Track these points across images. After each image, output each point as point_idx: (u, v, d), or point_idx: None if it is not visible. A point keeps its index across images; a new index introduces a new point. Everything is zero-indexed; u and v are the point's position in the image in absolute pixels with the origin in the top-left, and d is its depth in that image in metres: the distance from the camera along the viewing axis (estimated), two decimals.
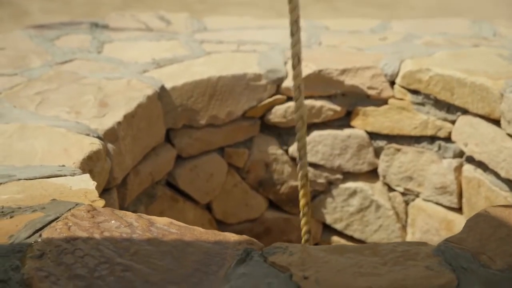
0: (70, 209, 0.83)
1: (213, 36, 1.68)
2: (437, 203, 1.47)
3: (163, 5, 3.83)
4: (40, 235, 0.76)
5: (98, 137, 1.12)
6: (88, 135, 1.11)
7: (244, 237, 0.78)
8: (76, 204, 0.84)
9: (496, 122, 1.30)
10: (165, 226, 0.81)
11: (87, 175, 0.95)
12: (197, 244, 0.77)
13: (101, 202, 0.88)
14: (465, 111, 1.37)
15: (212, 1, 4.00)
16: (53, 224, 0.79)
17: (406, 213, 1.54)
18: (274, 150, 1.53)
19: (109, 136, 1.15)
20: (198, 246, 0.77)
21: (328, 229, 1.62)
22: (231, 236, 0.78)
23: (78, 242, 0.75)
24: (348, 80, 1.47)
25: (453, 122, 1.41)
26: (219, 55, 1.53)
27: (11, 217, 0.81)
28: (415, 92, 1.44)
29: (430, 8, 3.77)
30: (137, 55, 1.50)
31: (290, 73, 1.47)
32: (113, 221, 0.81)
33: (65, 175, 0.94)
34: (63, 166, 0.98)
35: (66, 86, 1.30)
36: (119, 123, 1.17)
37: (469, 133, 1.36)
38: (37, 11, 3.75)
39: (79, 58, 1.49)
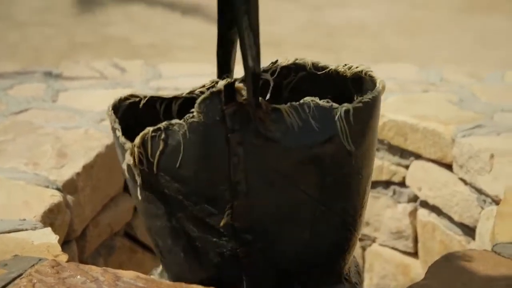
0: (33, 265, 0.81)
1: (169, 83, 1.70)
2: (393, 248, 1.50)
3: (112, 50, 3.83)
4: None
5: (58, 189, 1.11)
6: (47, 187, 1.10)
7: None
8: (40, 260, 0.83)
9: (449, 167, 1.34)
10: (131, 280, 0.80)
11: (49, 229, 0.94)
12: None
13: (64, 257, 0.87)
14: (418, 156, 1.41)
15: (162, 46, 4.02)
16: (17, 281, 0.78)
17: (364, 259, 1.56)
18: None
19: (69, 187, 1.14)
20: None
21: None
22: None
23: None
24: None
25: (407, 167, 1.44)
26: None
27: None
28: None
29: (375, 50, 3.86)
30: (93, 103, 1.50)
31: None
32: (78, 276, 0.80)
33: (26, 229, 0.93)
34: (24, 220, 0.96)
35: (23, 136, 1.29)
36: (78, 174, 1.17)
37: (422, 177, 1.40)
38: None
39: (34, 107, 1.47)
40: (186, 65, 1.94)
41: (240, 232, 0.76)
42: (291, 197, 0.75)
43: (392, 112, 1.45)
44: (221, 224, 0.75)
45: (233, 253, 0.77)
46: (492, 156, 1.22)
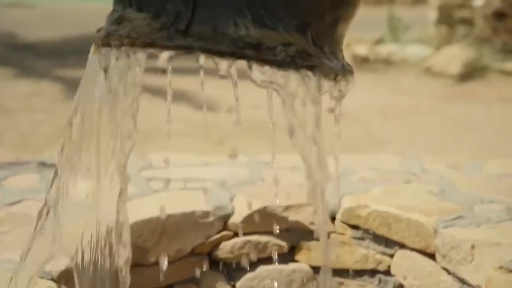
0: None
1: (160, 174, 1.75)
2: None
3: None
4: None
5: (53, 279, 1.13)
6: (42, 277, 1.13)
7: None
8: None
9: (432, 256, 1.38)
10: None
11: None
12: None
13: None
14: (402, 246, 1.46)
15: (149, 132, 4.10)
16: None
17: None
18: (222, 285, 1.57)
19: (64, 277, 1.16)
20: None
21: None
22: None
23: None
24: (292, 216, 1.55)
25: (391, 256, 1.49)
26: (168, 193, 1.59)
27: None
28: (355, 227, 1.52)
29: (357, 136, 3.95)
30: (86, 192, 1.54)
31: (237, 210, 1.54)
32: None
33: None
34: None
35: (18, 228, 1.32)
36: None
37: (407, 266, 1.44)
38: None
39: (29, 198, 1.51)
40: (176, 155, 2.00)
41: None
42: None
43: (376, 203, 1.50)
44: None
45: None
46: (473, 246, 1.27)
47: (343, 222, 1.53)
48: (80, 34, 7.65)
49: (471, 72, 5.09)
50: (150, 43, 0.68)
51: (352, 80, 0.77)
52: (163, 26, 0.67)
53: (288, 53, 0.66)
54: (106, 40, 0.73)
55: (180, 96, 4.50)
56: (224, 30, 0.65)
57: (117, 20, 0.72)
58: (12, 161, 1.80)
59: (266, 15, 0.66)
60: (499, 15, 5.44)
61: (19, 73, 5.51)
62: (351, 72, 0.76)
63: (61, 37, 7.44)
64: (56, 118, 4.15)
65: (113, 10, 0.75)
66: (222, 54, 0.66)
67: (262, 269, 1.56)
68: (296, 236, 1.57)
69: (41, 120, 4.15)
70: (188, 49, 0.67)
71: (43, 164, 1.76)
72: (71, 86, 5.01)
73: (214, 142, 3.80)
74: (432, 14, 6.30)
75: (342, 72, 0.74)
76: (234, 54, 0.65)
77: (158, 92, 5.08)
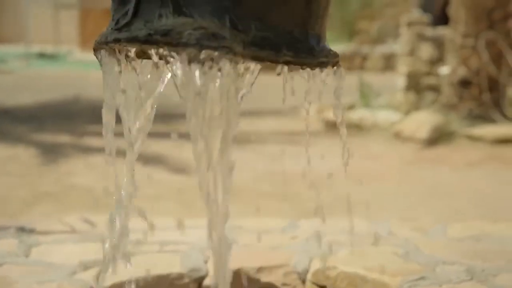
0: None
1: (136, 237, 1.80)
2: None
3: (75, 199, 3.92)
4: None
5: None
6: None
7: None
8: None
9: None
10: None
11: None
12: None
13: None
14: None
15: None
16: None
17: None
18: None
19: None
20: None
21: None
22: None
23: None
24: (264, 278, 1.61)
25: None
26: (144, 256, 1.64)
27: None
28: (324, 287, 1.59)
29: (329, 199, 4.02)
30: (64, 257, 1.59)
31: (211, 271, 1.59)
32: None
33: None
34: None
35: None
36: None
37: None
38: None
39: (8, 262, 1.56)
40: (152, 219, 2.05)
41: None
42: None
43: (344, 264, 1.57)
44: None
45: None
46: None
47: (313, 283, 1.60)
48: (56, 99, 7.75)
49: (439, 137, 5.25)
50: (104, 42, 0.80)
51: (330, 66, 0.82)
52: (114, 27, 0.79)
53: (195, 36, 0.72)
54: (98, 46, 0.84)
55: (155, 160, 4.56)
56: (151, 21, 0.75)
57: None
58: None
59: (184, 4, 0.74)
60: (464, 83, 5.64)
61: None
62: (295, 56, 0.78)
63: (38, 102, 7.52)
64: (32, 183, 4.18)
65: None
66: (139, 42, 0.75)
67: None
68: None
69: (16, 185, 4.17)
70: (117, 42, 0.77)
71: (21, 229, 1.81)
72: (47, 150, 5.07)
73: (189, 205, 3.86)
74: (400, 81, 6.52)
75: (270, 55, 0.77)
76: (147, 41, 0.74)
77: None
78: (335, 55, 0.85)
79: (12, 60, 12.02)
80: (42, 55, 12.88)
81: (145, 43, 0.75)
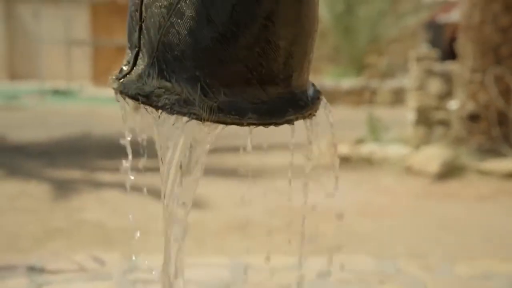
0: None
1: (145, 276, 1.82)
2: None
3: (86, 235, 3.94)
4: None
5: None
6: None
7: None
8: None
9: None
10: None
11: None
12: None
13: None
14: None
15: (128, 229, 4.15)
16: None
17: None
18: None
19: None
20: None
21: None
22: None
23: None
24: None
25: None
26: None
27: None
28: None
29: (339, 234, 4.01)
30: None
31: None
32: None
33: None
34: None
35: None
36: None
37: None
38: None
39: None
40: (159, 256, 2.06)
41: None
42: None
43: None
44: None
45: None
46: None
47: None
48: (68, 135, 7.82)
49: (449, 171, 5.24)
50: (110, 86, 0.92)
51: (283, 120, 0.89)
52: (118, 75, 0.90)
53: (169, 101, 0.84)
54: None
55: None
56: (141, 78, 0.87)
57: None
58: (1, 265, 1.87)
59: (166, 69, 0.85)
60: (473, 118, 5.65)
61: (7, 174, 5.60)
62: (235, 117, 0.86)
63: (50, 138, 7.58)
64: (43, 218, 4.21)
65: None
66: (130, 98, 0.87)
67: None
68: None
69: (28, 221, 4.20)
70: (116, 92, 0.89)
71: (31, 268, 1.83)
72: (59, 186, 5.10)
73: (198, 242, 3.86)
74: (410, 115, 6.53)
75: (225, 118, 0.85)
76: (134, 98, 0.86)
77: (140, 189, 5.18)
78: (314, 102, 0.91)
79: (25, 96, 12.16)
80: (55, 92, 13.01)
81: (133, 99, 0.87)
